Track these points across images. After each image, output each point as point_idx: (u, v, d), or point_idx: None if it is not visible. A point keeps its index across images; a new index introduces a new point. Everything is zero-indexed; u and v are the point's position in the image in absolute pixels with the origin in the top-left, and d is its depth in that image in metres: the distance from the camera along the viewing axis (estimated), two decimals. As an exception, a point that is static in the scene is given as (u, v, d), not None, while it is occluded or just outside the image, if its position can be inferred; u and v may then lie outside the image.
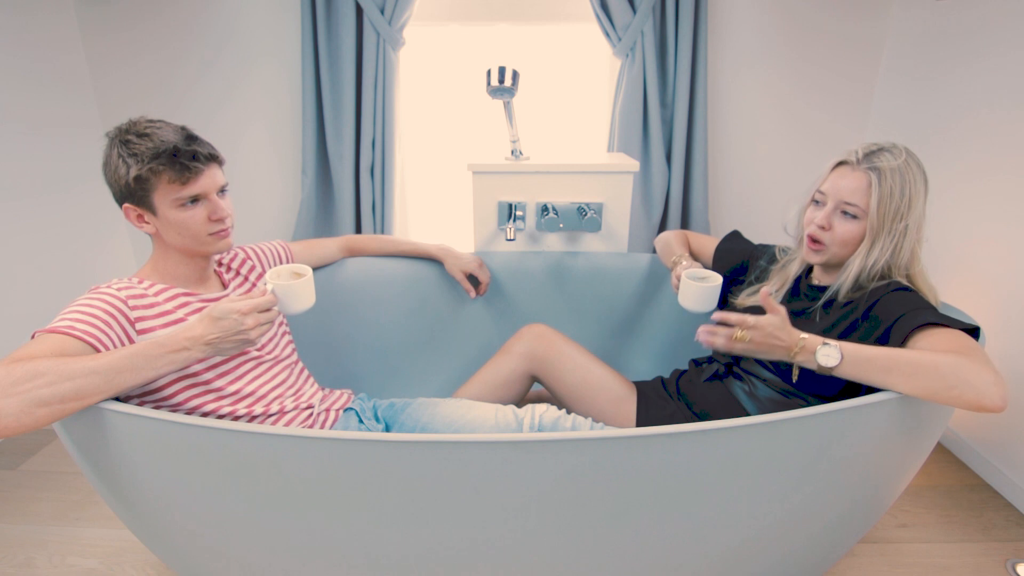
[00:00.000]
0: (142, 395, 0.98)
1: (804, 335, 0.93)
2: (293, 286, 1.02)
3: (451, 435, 0.78)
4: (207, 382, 1.04)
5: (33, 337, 0.87)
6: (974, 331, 0.94)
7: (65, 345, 0.86)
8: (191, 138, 1.01)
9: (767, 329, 0.95)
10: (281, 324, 1.26)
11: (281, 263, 1.38)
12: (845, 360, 0.89)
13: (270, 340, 1.19)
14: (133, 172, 0.97)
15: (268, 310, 0.96)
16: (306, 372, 1.26)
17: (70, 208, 1.99)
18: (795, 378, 1.05)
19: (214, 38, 2.03)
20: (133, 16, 1.99)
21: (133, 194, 0.99)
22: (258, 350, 1.15)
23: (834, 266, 1.12)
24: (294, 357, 1.24)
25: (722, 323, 1.00)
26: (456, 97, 2.20)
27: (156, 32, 2.01)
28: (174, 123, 1.03)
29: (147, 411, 0.81)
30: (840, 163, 1.07)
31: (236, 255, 1.27)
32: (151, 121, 1.01)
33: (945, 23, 1.69)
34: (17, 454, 1.68)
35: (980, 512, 1.45)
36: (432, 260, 1.65)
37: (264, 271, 1.30)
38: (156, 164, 0.97)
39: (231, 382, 1.07)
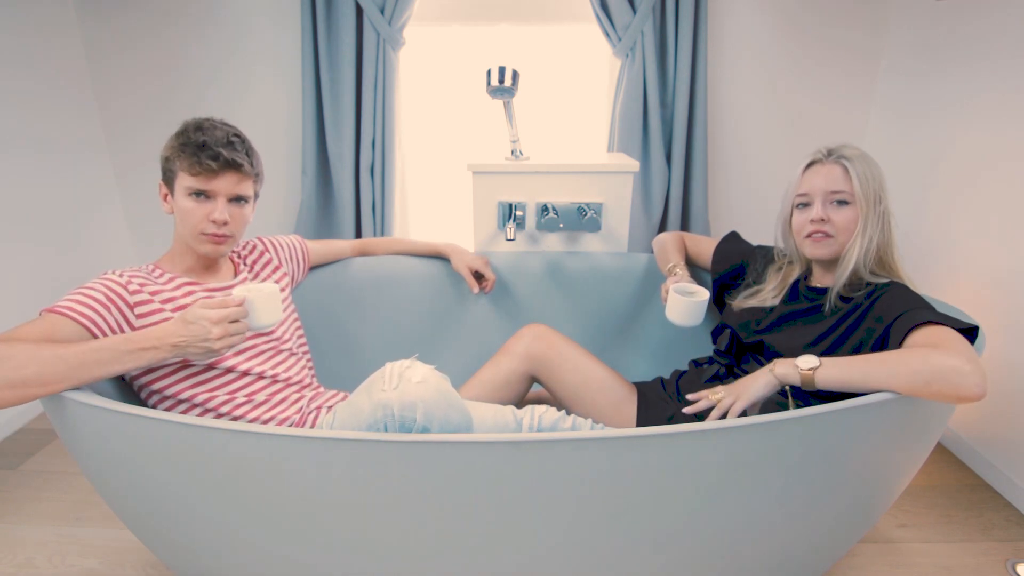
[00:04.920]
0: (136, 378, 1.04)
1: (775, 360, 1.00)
2: (262, 297, 0.99)
3: (450, 435, 0.78)
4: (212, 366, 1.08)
5: (40, 315, 0.93)
6: (973, 330, 0.94)
7: (59, 326, 0.91)
8: (229, 143, 1.05)
9: (735, 381, 1.02)
10: (293, 311, 1.30)
11: (296, 257, 1.42)
12: (823, 363, 0.93)
13: (281, 324, 1.22)
14: (166, 152, 1.06)
15: (237, 321, 0.95)
16: (309, 368, 1.27)
17: (72, 214, 2.00)
18: (792, 405, 1.06)
19: (215, 38, 2.03)
20: (135, 15, 1.99)
21: (165, 173, 1.08)
22: (275, 338, 1.18)
23: (834, 263, 1.13)
24: (300, 351, 1.27)
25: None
26: (456, 97, 2.20)
27: (157, 32, 2.01)
28: (233, 128, 1.08)
29: (146, 411, 0.81)
30: (810, 164, 1.13)
31: (255, 247, 1.32)
32: (219, 122, 1.08)
33: (945, 23, 1.69)
34: (17, 454, 1.68)
35: (980, 512, 1.45)
36: (435, 258, 1.66)
37: (281, 264, 1.33)
38: (180, 150, 1.04)
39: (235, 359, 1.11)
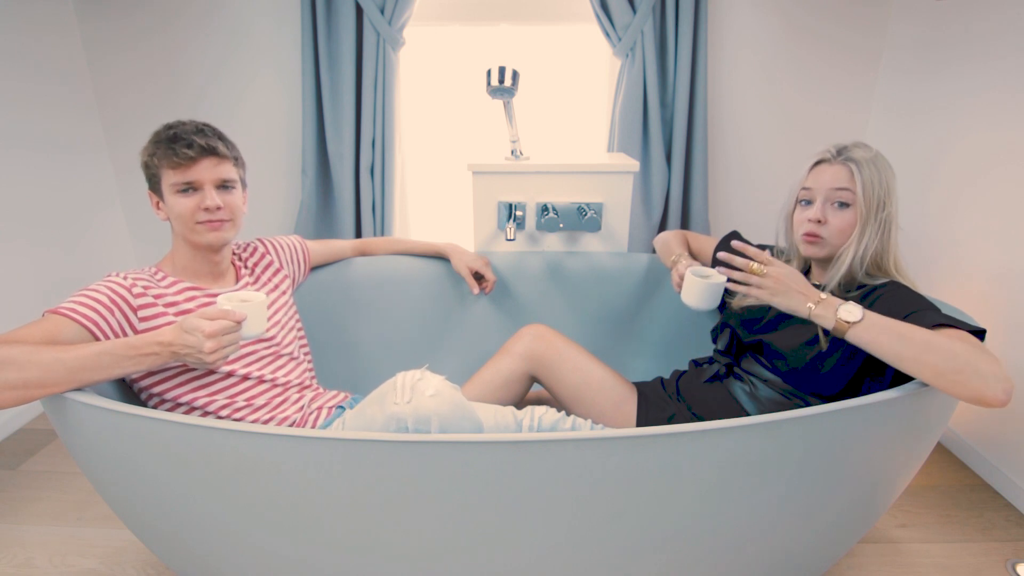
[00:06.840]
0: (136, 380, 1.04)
1: (824, 293, 0.96)
2: (252, 308, 0.97)
3: (450, 435, 0.78)
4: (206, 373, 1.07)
5: (44, 315, 0.93)
6: (980, 333, 0.94)
7: (61, 327, 0.91)
8: (199, 131, 1.06)
9: (784, 270, 0.97)
10: (294, 314, 1.30)
11: (297, 258, 1.42)
12: (865, 319, 0.90)
13: (281, 328, 1.21)
14: (144, 158, 1.07)
15: (230, 333, 0.93)
16: (309, 371, 1.27)
17: (72, 214, 1.99)
18: (824, 345, 1.04)
19: (215, 38, 2.03)
20: (135, 15, 1.99)
21: (150, 180, 1.08)
22: (275, 343, 1.18)
23: (829, 261, 1.12)
24: (300, 353, 1.26)
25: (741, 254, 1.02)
26: (456, 97, 2.20)
27: (157, 32, 2.01)
28: (200, 122, 1.09)
29: (146, 411, 0.81)
30: (818, 162, 1.11)
31: (256, 248, 1.31)
32: (185, 120, 1.08)
33: (945, 23, 1.69)
34: (17, 454, 1.68)
35: (980, 512, 1.45)
36: (435, 258, 1.66)
37: (282, 266, 1.33)
38: (156, 148, 1.04)
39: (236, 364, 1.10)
